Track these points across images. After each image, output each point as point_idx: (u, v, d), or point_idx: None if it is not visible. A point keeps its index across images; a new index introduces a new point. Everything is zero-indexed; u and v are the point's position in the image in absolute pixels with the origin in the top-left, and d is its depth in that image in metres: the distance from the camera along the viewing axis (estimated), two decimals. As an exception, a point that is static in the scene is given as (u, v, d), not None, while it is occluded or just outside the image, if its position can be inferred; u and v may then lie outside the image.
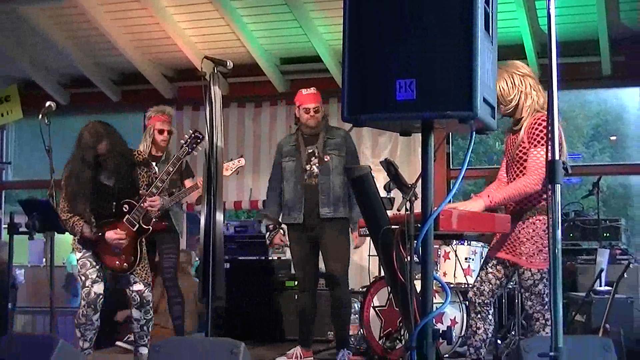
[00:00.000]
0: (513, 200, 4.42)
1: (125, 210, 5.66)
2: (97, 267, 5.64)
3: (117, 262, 5.66)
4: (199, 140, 5.97)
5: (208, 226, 4.56)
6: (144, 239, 5.82)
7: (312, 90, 6.61)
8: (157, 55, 9.41)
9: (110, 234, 5.58)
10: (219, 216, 4.61)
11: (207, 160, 4.65)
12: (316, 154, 6.53)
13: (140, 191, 5.70)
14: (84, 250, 5.65)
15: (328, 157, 6.48)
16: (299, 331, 6.74)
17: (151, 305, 5.79)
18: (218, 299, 4.52)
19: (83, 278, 5.61)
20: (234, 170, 6.61)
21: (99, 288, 5.59)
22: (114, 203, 5.68)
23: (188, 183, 6.81)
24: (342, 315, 6.53)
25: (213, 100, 4.72)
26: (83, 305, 5.55)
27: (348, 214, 6.50)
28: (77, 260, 5.70)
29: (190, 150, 6.00)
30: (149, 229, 5.79)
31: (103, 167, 5.55)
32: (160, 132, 6.87)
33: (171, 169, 5.86)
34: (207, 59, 4.82)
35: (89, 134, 5.53)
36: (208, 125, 4.69)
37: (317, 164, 6.51)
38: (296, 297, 7.59)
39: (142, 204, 5.64)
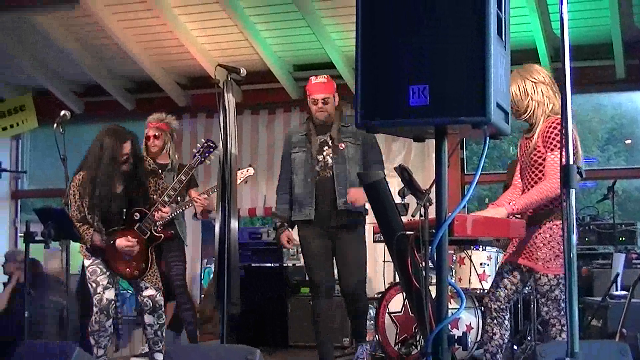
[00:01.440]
0: (535, 206, 4.38)
1: (136, 218, 5.69)
2: (107, 273, 5.66)
3: (128, 269, 5.69)
4: (211, 149, 6.00)
5: (223, 233, 4.57)
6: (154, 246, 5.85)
7: (322, 78, 6.12)
8: (170, 63, 9.43)
9: (121, 242, 5.60)
10: (234, 223, 4.62)
11: (222, 168, 4.67)
12: (329, 143, 6.02)
13: (153, 198, 5.72)
14: (92, 258, 5.67)
15: (343, 146, 6.00)
16: (317, 343, 6.16)
17: (163, 309, 5.80)
18: (233, 305, 4.53)
19: (94, 285, 5.63)
20: (242, 179, 6.49)
21: (110, 294, 5.61)
22: (124, 210, 5.70)
23: (193, 193, 6.83)
24: (358, 313, 6.17)
25: (227, 108, 4.74)
26: (95, 312, 5.57)
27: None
28: (87, 267, 5.70)
29: (202, 159, 6.02)
30: (161, 236, 5.81)
31: (121, 169, 5.59)
32: (147, 138, 6.91)
33: (184, 178, 5.90)
34: (220, 67, 4.84)
35: (109, 136, 5.59)
36: (222, 132, 4.71)
37: (330, 154, 6.00)
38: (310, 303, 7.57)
39: (154, 213, 5.67)
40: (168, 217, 6.06)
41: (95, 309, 5.58)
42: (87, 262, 5.69)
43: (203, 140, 6.25)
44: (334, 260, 6.16)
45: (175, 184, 5.84)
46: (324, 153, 6.04)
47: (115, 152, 5.55)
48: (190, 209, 7.27)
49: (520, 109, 4.49)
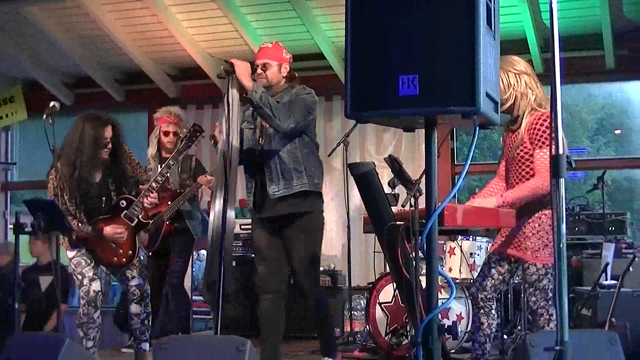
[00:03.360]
0: (525, 201, 4.40)
1: (123, 205, 5.66)
2: (92, 264, 5.60)
3: (115, 258, 5.64)
4: (198, 134, 5.96)
5: (219, 223, 4.58)
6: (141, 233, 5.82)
7: (269, 43, 5.39)
8: (160, 54, 9.41)
9: (109, 230, 5.56)
10: (231, 214, 4.63)
11: (223, 160, 4.69)
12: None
13: (140, 186, 5.70)
14: (76, 249, 5.62)
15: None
16: (260, 342, 5.37)
17: (149, 298, 5.77)
18: (225, 296, 4.52)
19: (80, 277, 5.57)
20: None
21: (97, 285, 5.57)
22: (103, 198, 5.67)
23: (202, 178, 6.76)
24: (323, 322, 5.43)
25: (230, 103, 4.74)
26: (83, 304, 5.53)
27: (309, 184, 5.21)
28: (70, 259, 5.64)
29: (189, 144, 5.97)
30: (149, 222, 5.79)
31: (101, 156, 5.56)
32: (166, 134, 6.81)
33: (172, 163, 5.87)
34: (225, 63, 4.85)
35: (89, 121, 5.55)
36: (225, 124, 4.69)
37: (264, 136, 5.25)
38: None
39: (141, 199, 5.64)
40: (157, 201, 5.99)
41: (82, 301, 5.54)
42: (70, 254, 5.62)
43: (189, 124, 6.22)
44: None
45: (163, 169, 5.82)
46: (263, 134, 5.29)
47: (97, 136, 5.51)
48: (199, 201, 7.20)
49: (503, 101, 4.48)
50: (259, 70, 5.22)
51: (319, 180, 5.32)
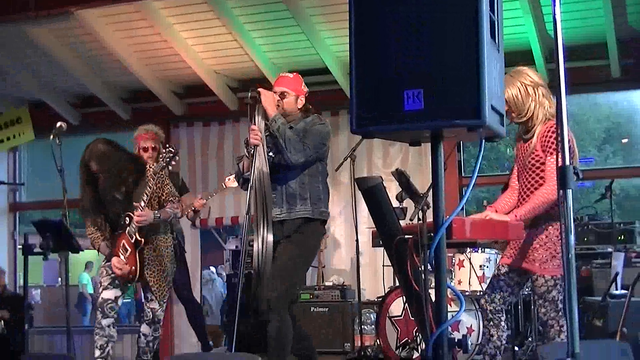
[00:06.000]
0: (538, 211, 4.39)
1: (127, 222, 5.73)
2: (112, 275, 5.76)
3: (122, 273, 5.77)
4: (172, 155, 5.96)
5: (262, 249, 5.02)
6: (144, 251, 5.87)
7: (290, 74, 5.51)
8: (166, 72, 9.42)
9: (114, 262, 5.68)
10: (270, 236, 4.99)
11: (254, 184, 4.98)
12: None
13: (135, 204, 5.76)
14: (105, 260, 5.86)
15: None
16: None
17: (161, 323, 5.88)
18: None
19: (99, 285, 5.89)
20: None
21: (107, 294, 5.72)
22: (123, 215, 5.75)
23: (185, 198, 6.91)
24: (274, 347, 5.00)
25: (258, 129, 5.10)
26: (96, 310, 5.76)
27: (312, 212, 5.25)
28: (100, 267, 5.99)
29: (165, 164, 5.98)
30: (142, 241, 5.81)
31: (100, 182, 5.66)
32: (145, 149, 6.80)
33: (151, 183, 5.89)
34: (252, 91, 5.18)
35: (87, 151, 5.68)
36: (256, 153, 5.05)
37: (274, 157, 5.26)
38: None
39: (134, 217, 5.72)
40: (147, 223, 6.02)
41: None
42: (102, 263, 5.91)
43: (168, 145, 6.24)
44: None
45: (145, 189, 5.83)
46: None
47: (81, 167, 5.69)
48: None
49: (522, 112, 4.51)
50: (277, 98, 5.30)
51: (325, 208, 5.37)
